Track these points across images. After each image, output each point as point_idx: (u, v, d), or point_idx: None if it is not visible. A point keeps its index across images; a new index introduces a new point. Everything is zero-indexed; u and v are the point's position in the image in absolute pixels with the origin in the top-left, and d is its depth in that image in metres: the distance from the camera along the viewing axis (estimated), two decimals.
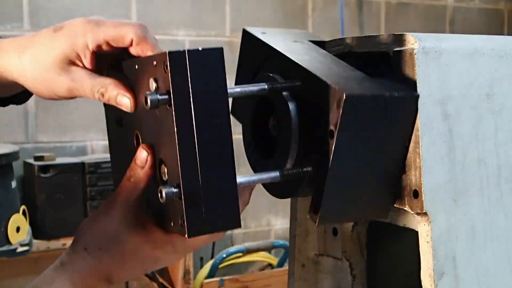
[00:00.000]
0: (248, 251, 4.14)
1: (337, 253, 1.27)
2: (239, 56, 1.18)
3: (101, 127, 4.06)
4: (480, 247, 1.03)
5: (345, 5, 4.74)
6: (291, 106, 0.99)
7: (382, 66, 1.02)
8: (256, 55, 1.11)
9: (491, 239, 1.04)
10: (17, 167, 3.56)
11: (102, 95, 0.94)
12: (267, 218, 4.65)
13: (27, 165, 3.69)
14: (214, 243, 4.39)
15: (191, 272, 4.01)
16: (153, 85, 0.88)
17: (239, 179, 0.91)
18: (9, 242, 3.14)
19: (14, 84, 0.99)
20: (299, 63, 0.99)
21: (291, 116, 0.98)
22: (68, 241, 3.63)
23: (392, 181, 0.98)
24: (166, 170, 0.91)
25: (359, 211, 1.02)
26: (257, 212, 4.57)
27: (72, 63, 0.95)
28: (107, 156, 3.87)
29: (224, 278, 3.96)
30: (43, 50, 0.95)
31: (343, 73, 0.99)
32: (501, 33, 5.54)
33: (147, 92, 0.86)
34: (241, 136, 1.12)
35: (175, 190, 0.86)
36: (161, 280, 4.01)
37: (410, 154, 0.98)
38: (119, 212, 0.95)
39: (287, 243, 3.59)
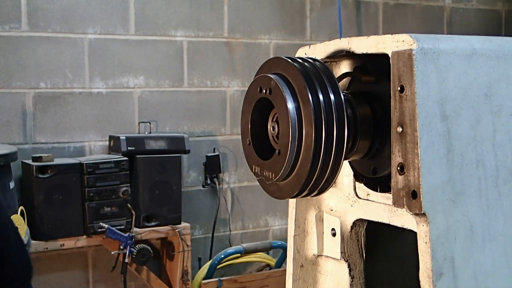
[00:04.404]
0: (246, 252, 4.14)
1: (336, 253, 1.27)
2: None
3: (99, 128, 4.05)
4: (479, 247, 1.03)
5: (343, 6, 4.74)
6: (290, 106, 0.99)
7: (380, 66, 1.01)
8: None
9: (489, 240, 1.04)
10: (15, 168, 3.55)
11: None
12: (265, 219, 4.65)
13: (25, 166, 3.68)
14: (212, 244, 4.38)
15: (189, 272, 4.01)
16: None
17: None
18: None
19: None
20: None
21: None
22: (66, 242, 3.63)
23: None
24: None
25: None
26: (255, 213, 4.57)
27: None
28: (105, 156, 3.87)
29: (222, 278, 3.96)
30: None
31: None
32: (498, 33, 5.55)
33: None
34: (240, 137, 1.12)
35: None
36: (159, 280, 4.01)
37: (408, 155, 0.98)
38: None
39: (285, 244, 3.58)
